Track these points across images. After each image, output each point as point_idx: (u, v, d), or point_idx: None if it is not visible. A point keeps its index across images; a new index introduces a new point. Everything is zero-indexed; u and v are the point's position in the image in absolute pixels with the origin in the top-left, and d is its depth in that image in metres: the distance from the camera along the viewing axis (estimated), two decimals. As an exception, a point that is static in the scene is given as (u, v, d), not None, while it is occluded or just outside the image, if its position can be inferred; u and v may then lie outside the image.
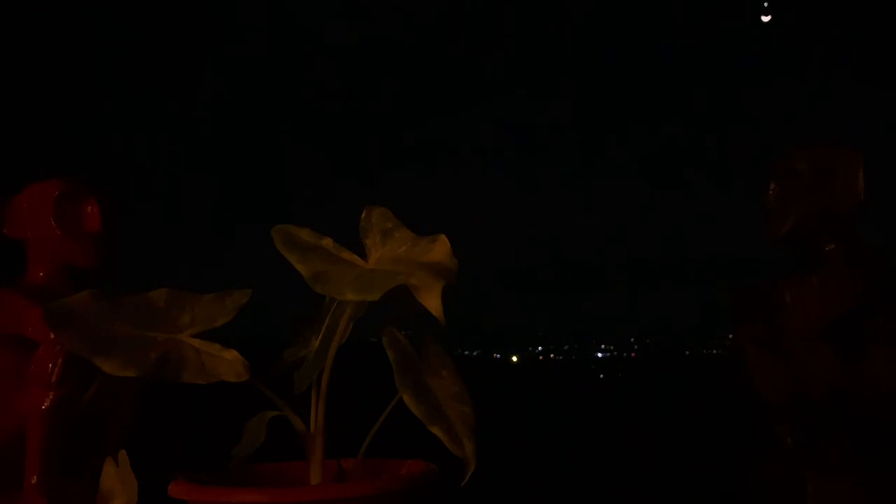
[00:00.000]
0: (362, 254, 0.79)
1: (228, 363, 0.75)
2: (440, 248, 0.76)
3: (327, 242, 0.78)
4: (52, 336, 0.97)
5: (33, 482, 0.99)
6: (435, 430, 0.73)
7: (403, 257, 0.76)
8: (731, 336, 1.28)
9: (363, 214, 0.81)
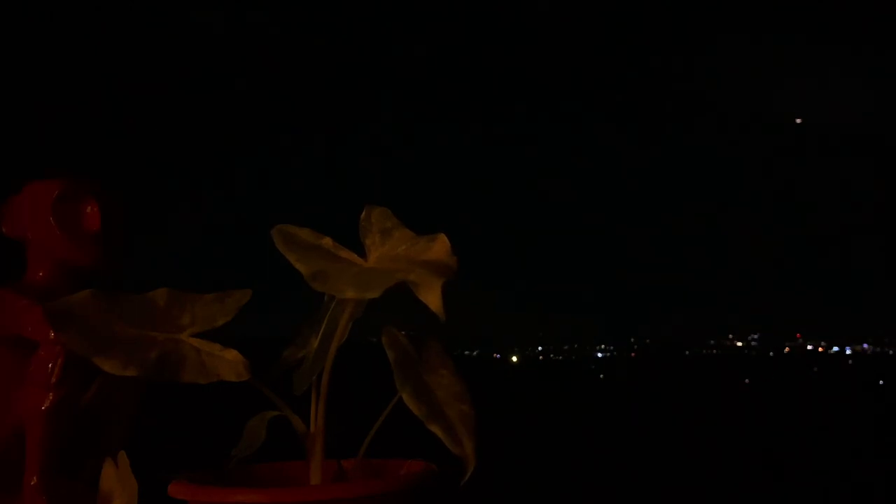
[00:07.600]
0: (362, 253, 0.79)
1: (228, 363, 0.75)
2: (439, 247, 0.76)
3: (327, 242, 0.78)
4: (52, 336, 0.97)
5: (33, 483, 0.99)
6: (434, 429, 0.73)
7: (403, 255, 0.76)
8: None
9: (363, 214, 0.81)
